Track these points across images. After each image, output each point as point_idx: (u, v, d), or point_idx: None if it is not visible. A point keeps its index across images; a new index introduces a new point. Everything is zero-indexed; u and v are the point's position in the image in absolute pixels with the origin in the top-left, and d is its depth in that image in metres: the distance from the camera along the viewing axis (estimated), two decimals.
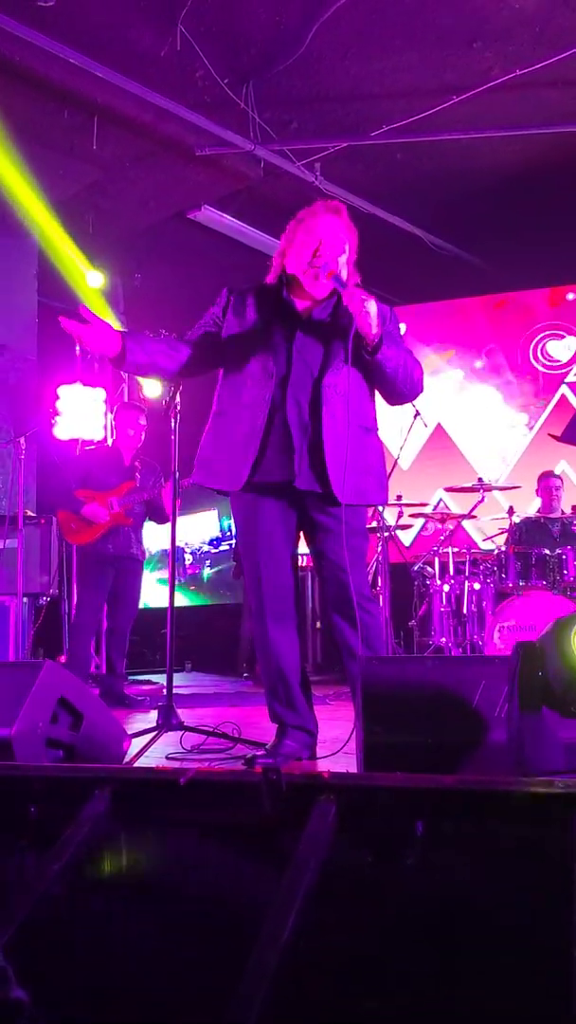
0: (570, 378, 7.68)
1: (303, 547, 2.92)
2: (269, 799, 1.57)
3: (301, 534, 2.85)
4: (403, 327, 3.23)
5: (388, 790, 1.52)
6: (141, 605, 5.48)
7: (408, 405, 5.61)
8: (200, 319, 2.89)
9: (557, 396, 7.69)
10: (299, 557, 2.88)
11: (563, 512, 6.19)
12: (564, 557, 5.56)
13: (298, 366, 2.68)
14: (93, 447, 6.73)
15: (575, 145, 6.33)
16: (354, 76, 5.76)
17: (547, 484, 6.35)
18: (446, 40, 5.42)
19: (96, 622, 5.57)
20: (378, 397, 2.87)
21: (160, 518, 5.44)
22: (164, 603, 3.14)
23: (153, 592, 9.25)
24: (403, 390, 2.78)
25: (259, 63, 5.60)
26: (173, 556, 3.21)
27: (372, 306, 2.58)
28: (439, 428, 7.92)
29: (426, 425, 6.21)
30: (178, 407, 3.12)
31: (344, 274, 2.68)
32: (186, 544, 10.51)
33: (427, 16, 5.22)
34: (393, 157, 6.53)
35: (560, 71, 5.56)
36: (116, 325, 7.41)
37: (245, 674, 7.86)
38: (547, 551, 5.59)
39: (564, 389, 7.67)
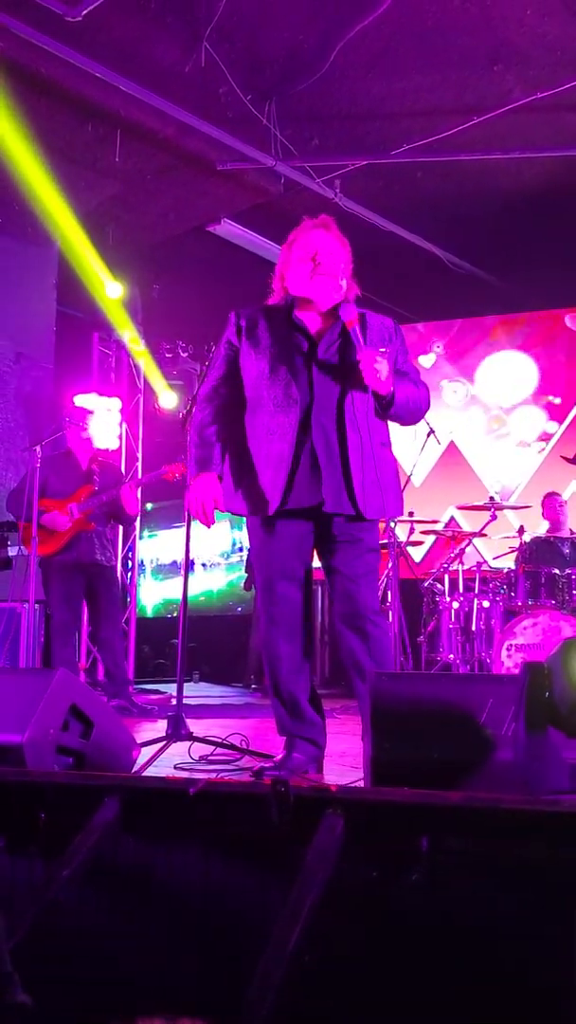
0: None
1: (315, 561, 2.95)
2: (277, 811, 1.59)
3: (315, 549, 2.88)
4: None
5: (395, 805, 1.54)
6: (149, 613, 5.47)
7: (422, 422, 5.66)
8: (217, 350, 2.90)
9: (570, 417, 7.71)
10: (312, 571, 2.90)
11: (571, 531, 6.20)
12: (573, 577, 5.57)
13: (320, 389, 2.71)
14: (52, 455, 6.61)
15: None
16: (375, 95, 5.81)
17: (551, 503, 6.38)
18: (467, 61, 5.47)
19: (73, 629, 5.44)
20: None
21: (122, 520, 5.39)
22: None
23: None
24: (410, 420, 2.95)
25: (282, 80, 5.65)
26: (187, 567, 3.24)
27: (383, 367, 2.64)
28: (452, 446, 7.94)
29: (439, 443, 6.23)
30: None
31: (344, 285, 2.75)
32: (197, 555, 10.54)
33: (448, 37, 5.26)
34: (413, 176, 6.58)
35: None
36: (133, 336, 7.48)
37: (253, 686, 7.87)
38: (556, 570, 5.60)
39: None
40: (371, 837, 1.60)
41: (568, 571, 5.60)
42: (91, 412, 5.50)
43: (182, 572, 3.24)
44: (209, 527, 2.84)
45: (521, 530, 6.04)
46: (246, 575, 8.78)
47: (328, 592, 2.89)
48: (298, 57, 5.45)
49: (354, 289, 2.81)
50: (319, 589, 6.81)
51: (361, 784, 2.24)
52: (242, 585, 8.96)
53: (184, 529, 3.25)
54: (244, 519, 2.90)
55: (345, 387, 2.72)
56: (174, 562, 10.24)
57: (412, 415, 2.89)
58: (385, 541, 5.80)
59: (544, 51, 5.34)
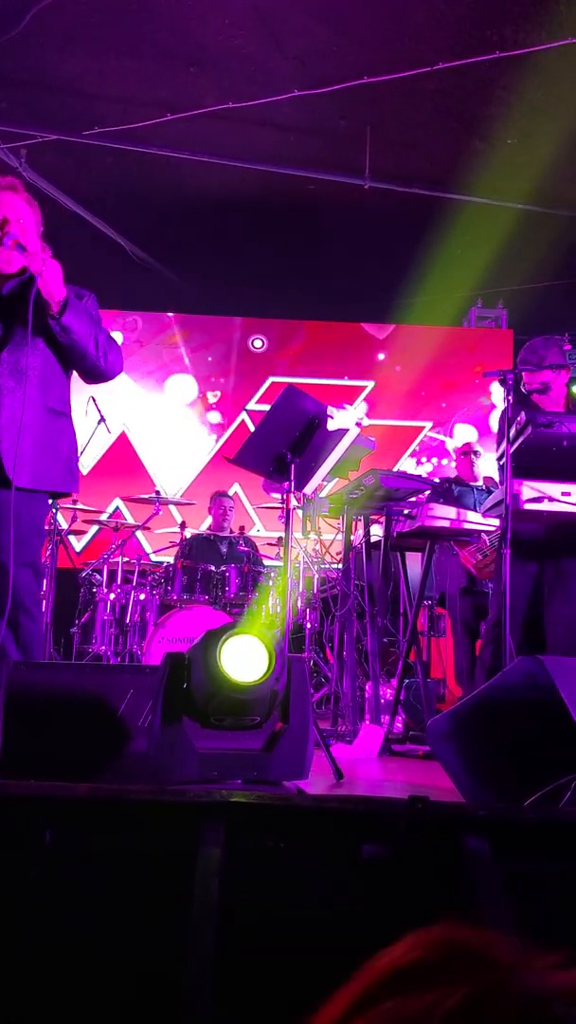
0: (250, 405, 8.05)
1: None
2: None
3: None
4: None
5: (16, 799, 1.49)
6: None
7: (93, 410, 5.59)
8: None
9: (238, 421, 8.03)
10: None
11: (231, 531, 6.45)
12: (227, 574, 5.79)
13: None
14: None
15: (277, 185, 6.66)
16: (72, 71, 5.65)
17: (220, 503, 6.60)
18: (166, 58, 5.49)
19: None
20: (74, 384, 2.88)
21: None
22: None
23: None
24: (94, 365, 2.79)
25: None
26: None
27: (55, 268, 2.62)
28: (123, 436, 7.93)
29: (109, 431, 6.19)
30: None
31: (32, 248, 2.68)
32: None
33: (151, 28, 5.25)
34: (103, 160, 6.48)
35: (269, 113, 5.84)
36: None
37: None
38: (213, 567, 5.79)
39: (244, 415, 8.02)
40: None
41: (223, 568, 5.81)
42: None
43: None
44: None
45: (183, 526, 6.18)
46: None
47: None
48: None
49: (47, 251, 2.72)
50: None
51: None
52: None
53: None
54: None
55: (9, 344, 2.64)
56: None
57: (95, 357, 2.77)
58: (48, 527, 5.66)
59: (239, 64, 5.50)
